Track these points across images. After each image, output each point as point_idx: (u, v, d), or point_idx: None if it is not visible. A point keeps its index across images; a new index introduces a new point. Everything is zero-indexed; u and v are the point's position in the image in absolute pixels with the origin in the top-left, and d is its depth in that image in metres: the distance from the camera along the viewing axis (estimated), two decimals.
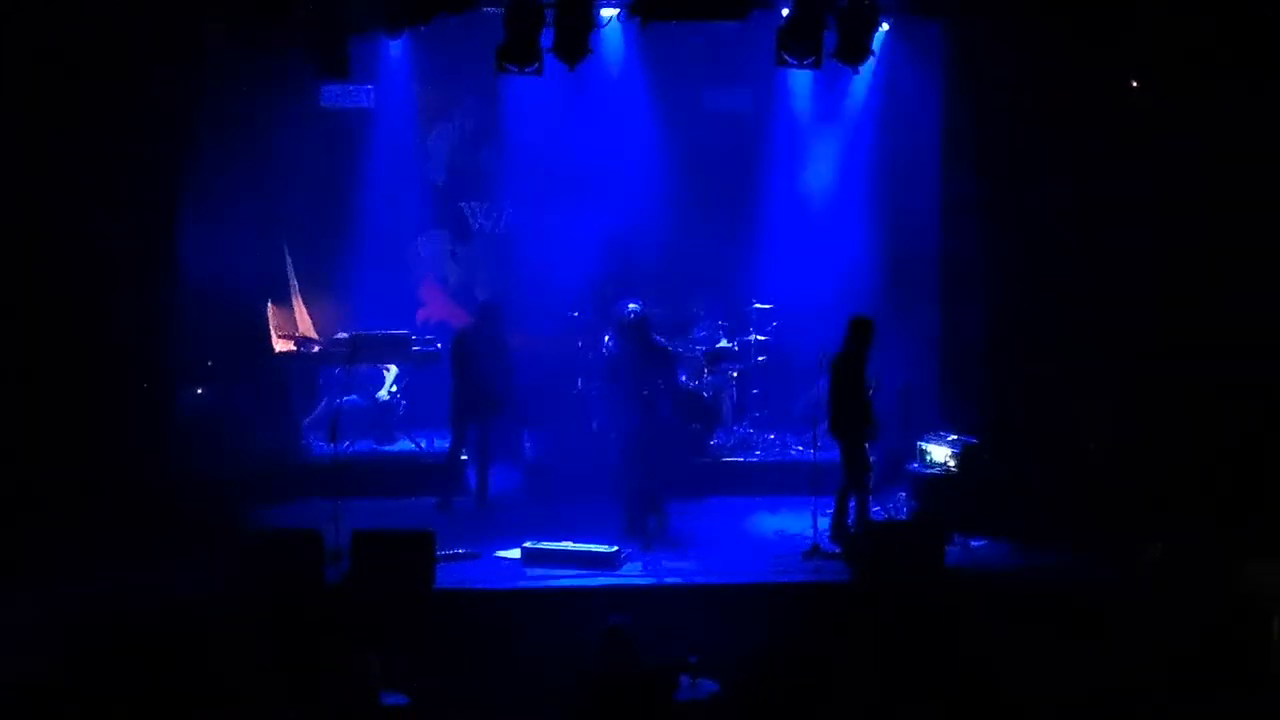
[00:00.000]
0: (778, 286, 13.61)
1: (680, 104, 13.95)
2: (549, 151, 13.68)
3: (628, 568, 10.00)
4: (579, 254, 13.31)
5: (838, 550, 10.29)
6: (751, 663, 8.00)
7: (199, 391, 11.87)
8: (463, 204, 14.73)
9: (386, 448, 13.03)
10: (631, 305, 11.11)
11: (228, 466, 11.13)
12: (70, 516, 9.96)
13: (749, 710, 7.87)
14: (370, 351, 12.92)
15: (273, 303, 12.86)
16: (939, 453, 11.76)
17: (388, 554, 9.35)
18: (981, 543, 10.60)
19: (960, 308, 12.18)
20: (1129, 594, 9.42)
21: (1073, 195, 11.12)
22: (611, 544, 10.12)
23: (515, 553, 10.17)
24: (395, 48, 13.10)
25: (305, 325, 13.39)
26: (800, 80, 13.44)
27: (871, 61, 11.49)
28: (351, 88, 13.41)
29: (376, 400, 13.49)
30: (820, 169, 13.95)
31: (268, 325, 12.70)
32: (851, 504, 10.51)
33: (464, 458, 12.02)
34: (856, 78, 12.51)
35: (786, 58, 11.22)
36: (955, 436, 11.74)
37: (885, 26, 12.17)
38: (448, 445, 12.04)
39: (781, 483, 12.10)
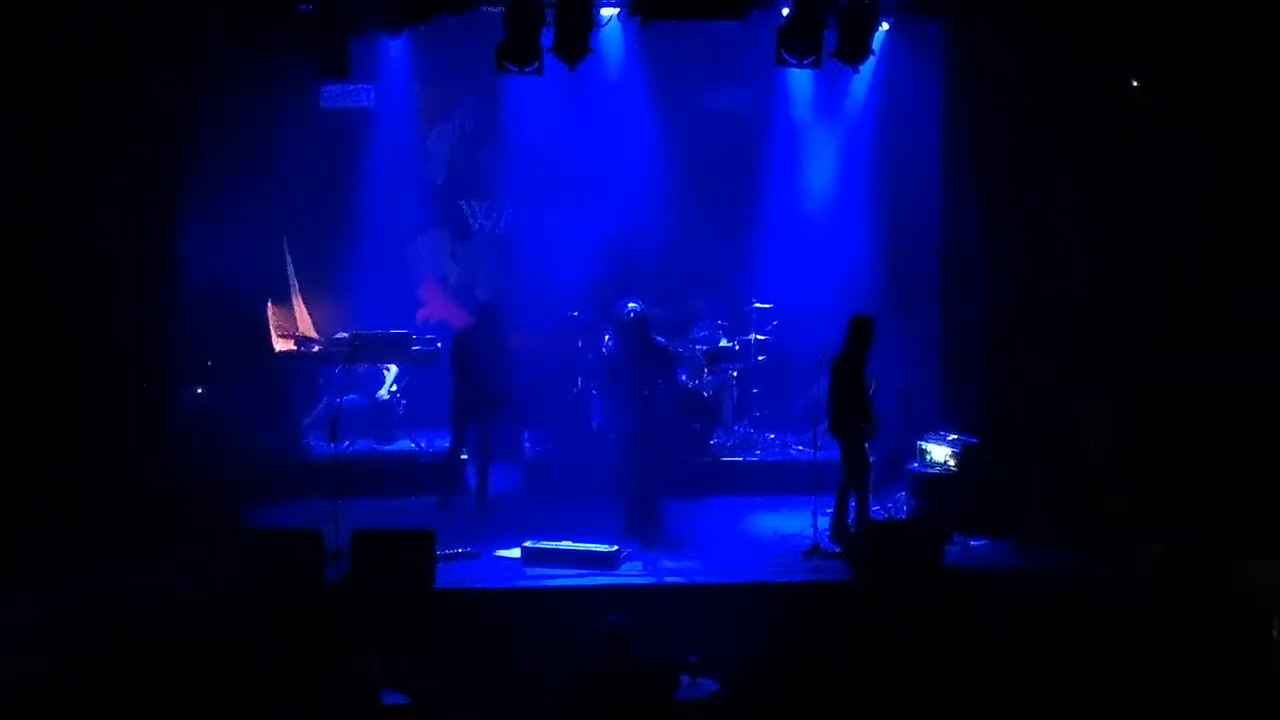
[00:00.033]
0: (778, 286, 13.61)
1: (680, 104, 13.94)
2: (549, 151, 13.68)
3: (627, 567, 10.01)
4: (579, 254, 13.31)
5: (838, 550, 10.29)
6: (752, 662, 8.01)
7: (199, 391, 11.86)
8: (463, 203, 14.74)
9: (386, 447, 13.04)
10: (631, 305, 11.12)
11: (228, 466, 11.11)
12: (70, 516, 9.95)
13: (749, 709, 7.87)
14: (370, 351, 12.92)
15: (273, 302, 12.87)
16: (939, 452, 11.76)
17: (388, 554, 9.35)
18: (981, 542, 10.60)
19: (960, 307, 12.18)
20: (1129, 594, 9.41)
21: (1073, 195, 11.11)
22: (611, 543, 10.13)
23: (515, 552, 10.18)
24: (395, 47, 13.10)
25: (305, 325, 13.40)
26: (800, 80, 13.43)
27: (871, 61, 11.48)
28: (351, 87, 13.43)
29: (376, 400, 13.50)
30: (820, 169, 13.95)
31: (268, 325, 12.70)
32: (851, 503, 10.52)
33: (464, 457, 12.02)
34: (856, 77, 12.51)
35: (786, 57, 11.21)
36: (955, 436, 11.74)
37: (885, 26, 12.16)
38: (448, 445, 12.03)
39: (781, 482, 12.11)
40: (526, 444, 12.98)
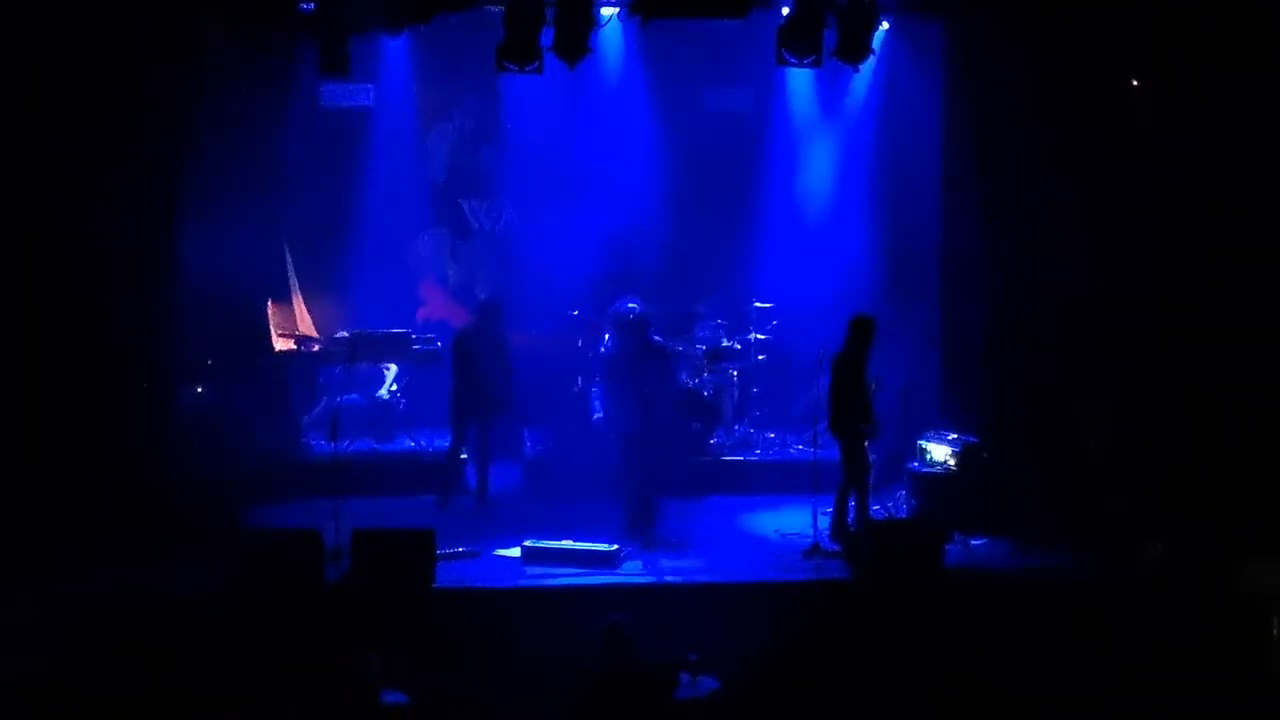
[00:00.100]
0: (778, 286, 13.63)
1: (680, 103, 13.95)
2: (549, 151, 13.70)
3: (628, 566, 10.01)
4: (579, 253, 13.32)
5: (838, 549, 10.29)
6: (752, 661, 8.01)
7: (199, 391, 11.86)
8: (462, 203, 14.74)
9: (386, 446, 13.04)
10: (631, 304, 11.12)
11: (228, 466, 11.11)
12: (70, 516, 9.95)
13: (749, 708, 7.88)
14: (370, 350, 12.94)
15: (273, 302, 12.86)
16: (939, 451, 11.75)
17: (388, 553, 9.35)
18: (981, 542, 10.60)
19: (960, 307, 12.17)
20: (1129, 594, 9.41)
21: (1073, 195, 11.10)
22: (611, 542, 10.13)
23: (515, 551, 10.18)
24: (395, 47, 13.11)
25: (305, 324, 13.40)
26: (800, 79, 13.44)
27: (872, 60, 11.48)
28: (352, 87, 13.44)
29: (376, 399, 13.50)
30: (820, 168, 13.97)
31: (268, 324, 12.69)
32: (851, 503, 10.52)
33: (464, 456, 12.02)
34: (857, 77, 12.53)
35: (787, 56, 11.21)
36: (955, 436, 11.73)
37: (885, 25, 12.17)
38: (447, 444, 12.04)
39: (781, 481, 12.11)
40: (526, 443, 12.98)
